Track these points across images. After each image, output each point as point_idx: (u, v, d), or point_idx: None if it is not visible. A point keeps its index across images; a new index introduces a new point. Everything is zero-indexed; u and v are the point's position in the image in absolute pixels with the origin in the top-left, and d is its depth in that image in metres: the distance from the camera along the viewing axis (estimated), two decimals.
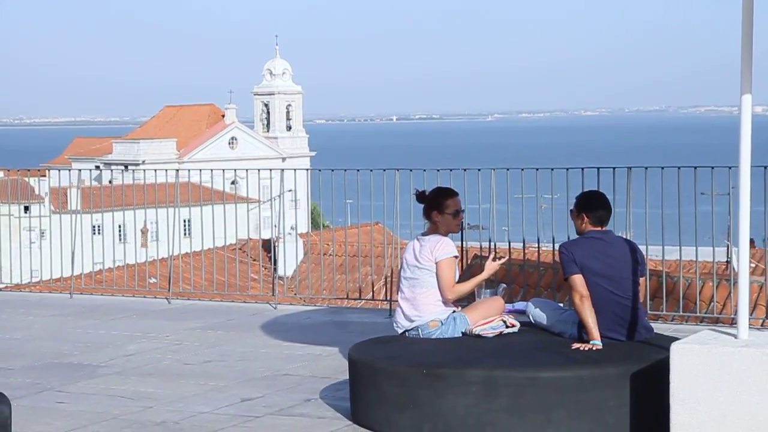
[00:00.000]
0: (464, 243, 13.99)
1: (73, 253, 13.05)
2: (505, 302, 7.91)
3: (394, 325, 7.72)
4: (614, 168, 10.53)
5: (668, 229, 10.70)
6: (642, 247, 11.80)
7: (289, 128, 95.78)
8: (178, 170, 14.47)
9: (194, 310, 11.79)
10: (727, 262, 20.86)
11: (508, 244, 12.07)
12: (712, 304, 14.67)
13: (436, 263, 7.59)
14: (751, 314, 12.76)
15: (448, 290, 7.59)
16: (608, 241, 7.37)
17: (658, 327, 10.13)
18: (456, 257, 7.67)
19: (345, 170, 12.29)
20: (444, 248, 7.62)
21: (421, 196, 7.92)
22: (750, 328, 6.29)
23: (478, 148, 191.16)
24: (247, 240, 24.78)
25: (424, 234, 7.82)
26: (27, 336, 10.44)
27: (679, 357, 6.19)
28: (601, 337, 7.14)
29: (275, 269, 28.02)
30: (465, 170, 11.28)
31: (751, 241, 22.46)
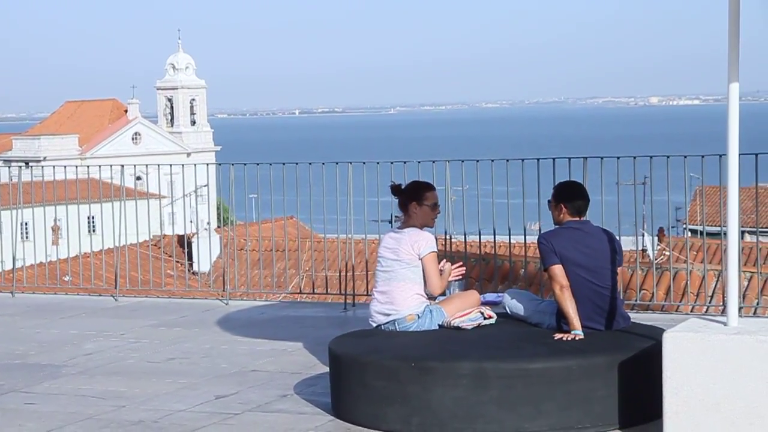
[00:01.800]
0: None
1: (14, 247, 12.75)
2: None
3: (369, 319, 7.66)
4: (569, 159, 10.59)
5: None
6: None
7: (193, 123, 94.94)
8: (78, 167, 14.11)
9: (143, 308, 11.59)
10: (642, 250, 21.16)
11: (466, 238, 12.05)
12: (641, 292, 14.95)
13: (421, 259, 7.54)
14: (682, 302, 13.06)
15: (437, 285, 7.57)
16: (587, 231, 7.39)
17: (636, 316, 10.27)
18: (436, 252, 7.64)
19: (258, 164, 12.14)
20: (426, 243, 7.59)
21: (396, 189, 7.87)
22: (712, 315, 6.35)
23: (380, 141, 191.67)
24: (161, 236, 24.43)
25: (399, 228, 7.77)
26: None
27: (671, 345, 6.22)
28: (582, 326, 7.17)
29: (191, 265, 27.78)
30: (364, 163, 11.46)
31: (660, 230, 22.78)
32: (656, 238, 20.56)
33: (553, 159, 10.62)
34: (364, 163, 11.76)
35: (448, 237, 11.28)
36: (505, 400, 6.56)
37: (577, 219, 7.43)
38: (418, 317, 7.51)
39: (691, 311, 13.38)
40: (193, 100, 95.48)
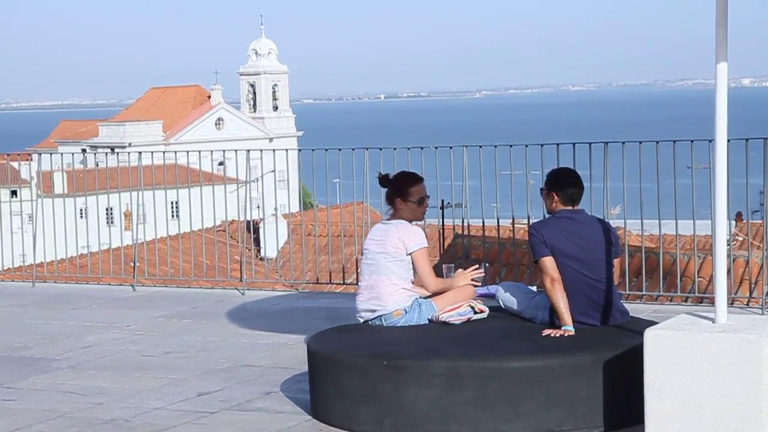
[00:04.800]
0: (443, 222, 13.62)
1: (34, 237, 12.63)
2: (488, 282, 7.51)
3: (356, 314, 7.29)
4: (590, 143, 10.13)
5: (650, 204, 10.35)
6: (627, 223, 11.55)
7: (275, 108, 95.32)
8: (162, 152, 14.01)
9: (159, 297, 11.38)
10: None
11: (483, 222, 11.67)
12: (698, 281, 14.33)
13: (411, 255, 7.12)
14: (736, 293, 12.44)
15: (431, 283, 7.15)
16: (580, 221, 6.97)
17: (638, 308, 9.80)
18: (427, 247, 7.24)
19: (339, 150, 11.84)
20: (416, 238, 7.16)
21: (384, 180, 7.44)
22: (750, 307, 5.91)
23: (466, 125, 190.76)
24: (225, 222, 24.31)
25: (387, 219, 7.37)
26: None
27: (652, 344, 5.82)
28: (574, 322, 6.76)
29: (258, 251, 27.57)
30: (436, 148, 10.92)
31: (738, 215, 22.08)
32: (734, 222, 19.90)
33: (623, 143, 10.08)
34: (436, 148, 11.27)
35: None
36: (482, 401, 6.20)
37: (570, 208, 7.01)
38: (406, 312, 7.13)
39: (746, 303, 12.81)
40: (276, 85, 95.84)
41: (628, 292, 10.81)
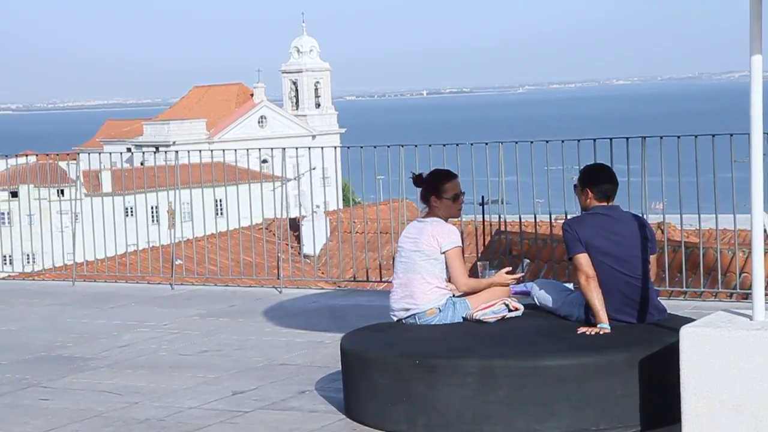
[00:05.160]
0: (484, 218, 13.55)
1: (74, 235, 12.69)
2: (528, 279, 7.43)
3: (390, 313, 7.24)
4: (627, 138, 10.03)
5: (692, 199, 10.22)
6: (669, 217, 11.41)
7: (317, 105, 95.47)
8: (211, 151, 14.05)
9: (197, 296, 11.40)
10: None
11: (520, 218, 11.60)
12: (743, 275, 14.15)
13: (445, 254, 7.04)
14: None
15: (461, 283, 7.07)
16: (615, 217, 6.89)
17: (680, 305, 9.71)
18: (461, 246, 7.17)
19: (374, 147, 11.81)
20: (450, 236, 7.09)
21: (417, 180, 7.38)
22: None
23: (508, 120, 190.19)
24: (265, 220, 24.30)
25: (423, 217, 7.31)
26: (22, 327, 10.08)
27: (689, 342, 5.73)
28: (610, 319, 6.68)
29: (299, 249, 27.59)
30: (472, 144, 10.88)
31: None
32: None
33: (660, 137, 9.97)
34: (471, 144, 11.20)
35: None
36: (515, 400, 6.13)
37: (605, 204, 6.93)
38: (440, 311, 7.07)
39: None
40: (318, 82, 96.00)
41: (670, 288, 10.69)
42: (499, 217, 11.73)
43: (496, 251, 16.51)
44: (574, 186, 7.08)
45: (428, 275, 7.07)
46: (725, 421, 5.65)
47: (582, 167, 7.18)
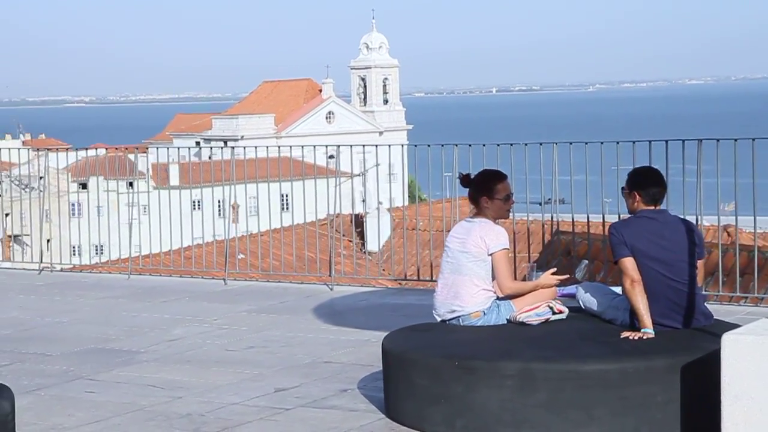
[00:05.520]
0: (544, 216, 13.43)
1: (130, 228, 12.79)
2: (587, 280, 7.35)
3: (434, 312, 7.20)
4: (684, 141, 9.90)
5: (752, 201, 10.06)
6: (728, 219, 11.19)
7: (385, 102, 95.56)
8: (278, 147, 14.11)
9: (249, 291, 11.44)
10: None
11: (573, 218, 11.47)
12: None
13: (492, 255, 6.98)
14: None
15: (507, 286, 6.99)
16: (662, 222, 6.80)
17: (734, 310, 9.58)
18: (508, 248, 7.11)
19: (442, 146, 11.77)
20: (498, 238, 7.02)
21: (465, 180, 7.34)
22: None
23: (577, 119, 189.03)
24: (328, 215, 24.30)
25: (471, 217, 7.25)
26: (73, 319, 10.18)
27: (730, 349, 5.63)
28: (655, 324, 6.59)
29: (362, 245, 27.56)
30: (526, 145, 10.81)
31: None
32: None
33: (717, 140, 9.83)
34: (541, 144, 11.12)
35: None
36: (554, 404, 6.07)
37: (653, 208, 6.84)
38: (484, 313, 7.01)
39: None
40: (386, 79, 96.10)
41: (729, 293, 10.52)
42: (552, 218, 11.61)
43: (555, 251, 16.41)
44: (622, 189, 6.99)
45: (476, 277, 7.01)
46: (765, 430, 5.55)
47: (631, 170, 7.08)
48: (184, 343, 9.00)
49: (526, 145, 10.92)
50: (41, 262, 13.18)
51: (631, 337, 6.52)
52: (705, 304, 6.97)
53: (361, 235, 27.63)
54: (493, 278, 7.09)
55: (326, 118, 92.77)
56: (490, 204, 7.14)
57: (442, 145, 11.62)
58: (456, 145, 11.37)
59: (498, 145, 10.97)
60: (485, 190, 7.18)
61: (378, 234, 23.95)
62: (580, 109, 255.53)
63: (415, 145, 12.38)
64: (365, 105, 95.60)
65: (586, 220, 11.47)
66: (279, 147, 13.35)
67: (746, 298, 10.73)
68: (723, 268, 10.34)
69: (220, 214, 14.18)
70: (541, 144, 10.83)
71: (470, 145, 11.23)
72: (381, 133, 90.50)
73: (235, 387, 7.54)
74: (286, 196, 20.03)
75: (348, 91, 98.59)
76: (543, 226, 13.68)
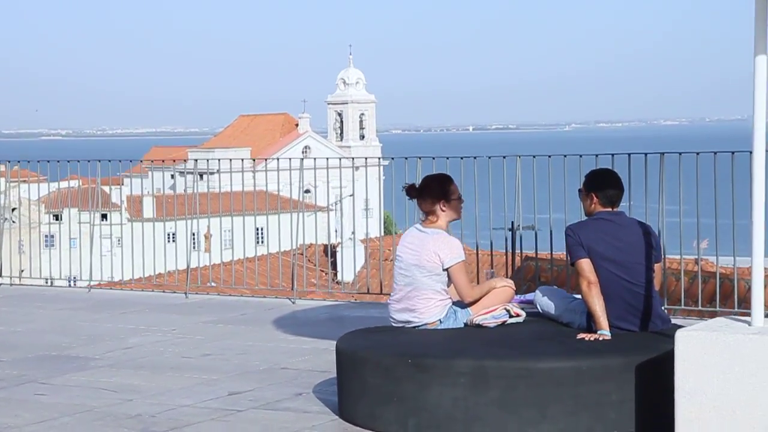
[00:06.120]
0: (513, 245, 13.34)
1: (91, 252, 12.67)
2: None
3: (391, 321, 7.06)
4: (646, 154, 9.89)
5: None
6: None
7: (362, 137, 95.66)
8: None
9: (210, 305, 11.32)
10: None
11: (536, 245, 11.41)
12: None
13: (448, 270, 6.85)
14: None
15: (468, 295, 6.88)
16: (619, 224, 6.75)
17: (693, 322, 9.49)
18: (465, 260, 7.00)
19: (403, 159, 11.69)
20: (452, 251, 6.86)
21: (412, 190, 7.12)
22: None
23: (553, 159, 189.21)
24: (302, 245, 24.26)
25: (423, 226, 7.11)
26: (29, 329, 10.04)
27: (684, 345, 5.58)
28: (611, 327, 6.53)
29: (336, 274, 27.45)
30: (490, 157, 10.77)
31: None
32: None
33: (679, 153, 9.82)
34: (489, 158, 11.03)
35: None
36: (507, 402, 5.99)
37: (610, 210, 6.79)
38: (441, 322, 6.90)
39: None
40: (363, 114, 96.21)
41: (692, 309, 10.47)
42: (513, 243, 11.51)
43: (525, 278, 16.34)
44: (579, 190, 6.94)
45: (431, 291, 6.87)
46: (719, 427, 5.49)
47: (587, 172, 7.03)
48: (140, 350, 8.87)
49: (489, 158, 10.88)
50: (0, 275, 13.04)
51: (586, 339, 6.45)
52: (663, 308, 6.92)
53: (334, 265, 27.55)
54: (449, 283, 6.99)
55: (302, 152, 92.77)
56: (447, 207, 7.02)
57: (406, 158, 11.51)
58: (419, 158, 11.33)
59: (461, 158, 10.94)
60: (441, 194, 7.04)
61: (353, 264, 23.90)
62: (556, 149, 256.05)
63: (392, 158, 12.29)
64: (342, 140, 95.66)
65: (549, 249, 11.39)
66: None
67: (708, 312, 10.68)
68: (690, 296, 10.32)
69: (194, 247, 14.13)
70: (504, 157, 10.78)
71: (433, 158, 11.18)
72: (357, 168, 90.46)
73: (187, 391, 7.43)
74: (261, 229, 19.96)
75: (325, 126, 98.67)
76: (512, 254, 13.62)
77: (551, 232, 11.36)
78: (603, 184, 6.81)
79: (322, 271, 27.38)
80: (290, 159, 13.04)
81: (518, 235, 14.11)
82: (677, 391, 5.59)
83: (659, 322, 6.71)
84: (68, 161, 13.63)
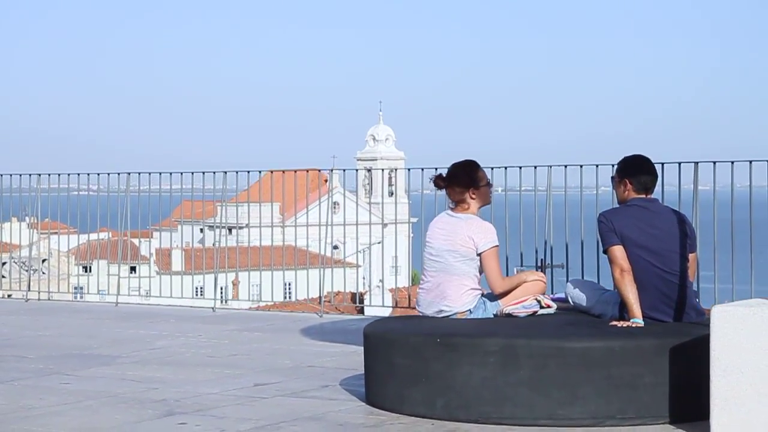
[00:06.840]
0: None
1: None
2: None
3: (418, 310, 6.95)
4: (680, 163, 9.82)
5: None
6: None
7: (391, 194, 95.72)
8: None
9: (238, 317, 11.26)
10: None
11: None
12: None
13: (481, 255, 6.77)
14: None
15: (498, 284, 6.77)
16: (653, 211, 6.63)
17: None
18: (498, 245, 6.91)
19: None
20: (487, 235, 6.79)
21: (439, 180, 7.05)
22: None
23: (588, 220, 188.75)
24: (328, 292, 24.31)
25: (453, 212, 7.04)
26: (56, 333, 10.00)
27: (720, 321, 5.45)
28: (644, 317, 6.39)
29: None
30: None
31: None
32: None
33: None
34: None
35: None
36: (537, 382, 5.87)
37: (644, 197, 6.69)
38: (470, 312, 6.79)
39: None
40: (392, 171, 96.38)
41: None
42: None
43: None
44: (612, 177, 6.85)
45: (464, 277, 6.77)
46: (756, 404, 5.35)
47: (621, 159, 6.93)
48: (167, 350, 8.80)
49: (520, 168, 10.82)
50: (29, 290, 13.02)
51: (619, 326, 6.33)
52: (697, 300, 6.79)
53: (362, 312, 27.46)
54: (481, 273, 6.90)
55: (332, 208, 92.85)
56: (477, 194, 6.94)
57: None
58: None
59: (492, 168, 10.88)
60: (470, 181, 6.96)
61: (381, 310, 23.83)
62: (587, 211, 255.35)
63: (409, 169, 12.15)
64: (370, 197, 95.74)
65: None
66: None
67: None
68: None
69: (223, 301, 14.15)
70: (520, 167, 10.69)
71: None
72: (386, 225, 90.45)
73: (213, 382, 7.34)
74: (289, 284, 19.96)
75: (354, 182, 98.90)
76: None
77: (582, 269, 11.24)
78: (637, 170, 6.71)
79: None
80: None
81: (547, 273, 13.96)
82: (712, 368, 5.45)
83: (693, 313, 6.56)
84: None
